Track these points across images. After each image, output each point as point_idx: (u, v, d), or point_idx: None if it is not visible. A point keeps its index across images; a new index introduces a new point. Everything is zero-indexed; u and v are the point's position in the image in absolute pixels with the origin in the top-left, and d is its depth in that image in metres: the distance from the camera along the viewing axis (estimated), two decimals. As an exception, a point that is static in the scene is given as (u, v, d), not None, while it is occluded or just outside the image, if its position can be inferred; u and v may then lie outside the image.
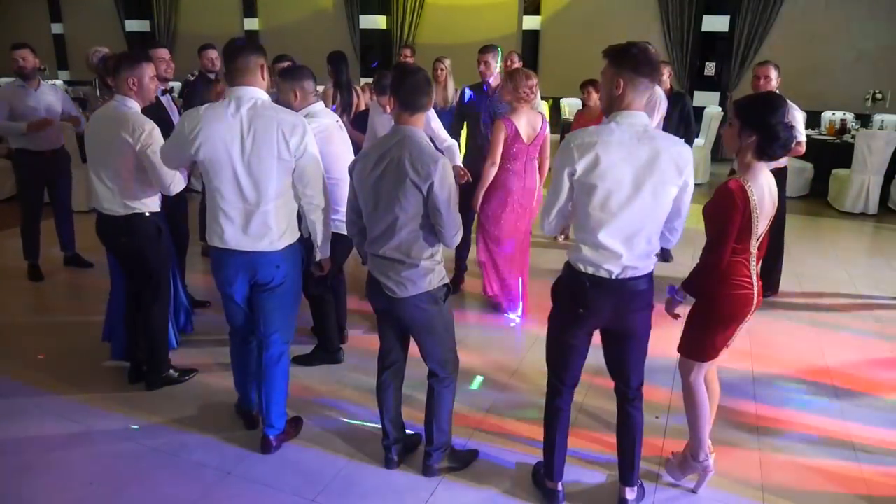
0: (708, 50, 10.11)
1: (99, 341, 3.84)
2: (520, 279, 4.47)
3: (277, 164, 2.63)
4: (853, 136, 7.80)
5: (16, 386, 3.52)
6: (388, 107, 4.14)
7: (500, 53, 4.82)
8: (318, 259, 3.00)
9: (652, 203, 2.21)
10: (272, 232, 2.70)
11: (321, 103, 3.48)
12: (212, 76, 5.41)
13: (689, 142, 5.63)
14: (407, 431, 2.92)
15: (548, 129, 4.30)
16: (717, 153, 9.29)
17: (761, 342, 4.07)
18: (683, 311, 2.60)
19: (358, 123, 5.08)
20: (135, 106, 3.23)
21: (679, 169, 2.21)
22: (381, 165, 2.43)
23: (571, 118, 8.46)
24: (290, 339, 2.95)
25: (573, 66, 8.97)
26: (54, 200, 5.21)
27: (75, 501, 2.66)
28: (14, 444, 3.03)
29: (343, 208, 3.50)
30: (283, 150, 2.61)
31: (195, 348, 3.88)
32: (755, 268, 2.48)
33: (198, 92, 5.23)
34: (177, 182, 3.24)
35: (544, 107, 8.45)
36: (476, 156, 4.59)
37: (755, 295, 2.48)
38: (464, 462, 2.86)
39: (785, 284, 4.93)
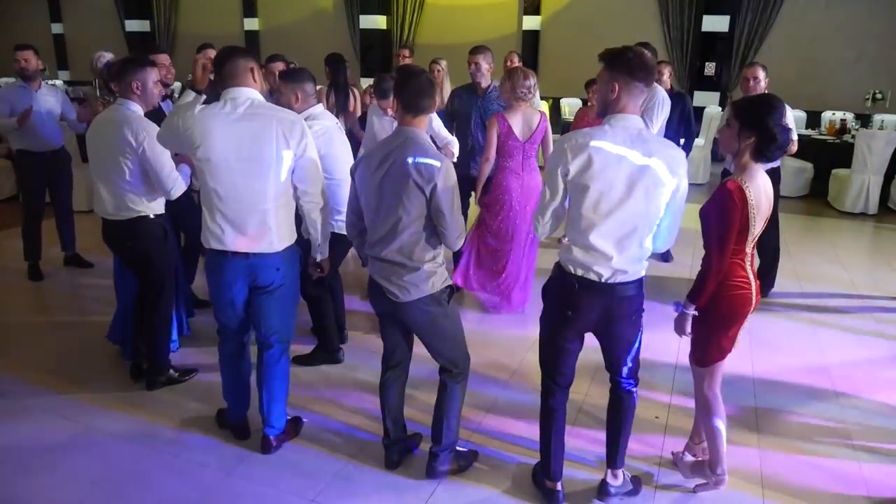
0: (708, 50, 10.11)
1: (99, 341, 3.85)
2: (522, 279, 4.47)
3: (276, 164, 2.61)
4: (853, 136, 7.80)
5: (16, 386, 3.52)
6: (389, 110, 4.13)
7: (492, 54, 4.81)
8: (317, 259, 2.98)
9: (644, 205, 2.22)
10: (271, 232, 2.68)
11: (321, 105, 3.50)
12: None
13: (689, 142, 5.63)
14: (407, 431, 2.91)
15: (548, 126, 4.27)
16: (718, 153, 9.29)
17: (761, 342, 4.07)
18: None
19: (362, 126, 5.11)
20: (138, 110, 3.23)
21: (672, 172, 2.21)
22: (384, 167, 2.42)
23: (571, 118, 8.45)
24: (290, 339, 2.95)
25: (573, 66, 8.99)
26: (55, 200, 5.22)
27: (75, 501, 2.66)
28: (14, 443, 3.03)
29: (344, 209, 3.51)
30: (282, 149, 2.60)
31: (195, 348, 3.88)
32: (751, 268, 2.49)
33: None
34: (178, 186, 3.24)
35: (544, 107, 8.46)
36: (466, 158, 4.59)
37: (753, 294, 2.49)
38: (468, 462, 2.85)
39: (785, 284, 4.93)
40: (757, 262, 2.91)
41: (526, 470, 2.84)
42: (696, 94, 10.02)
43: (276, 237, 2.70)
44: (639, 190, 2.19)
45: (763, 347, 4.01)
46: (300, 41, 12.26)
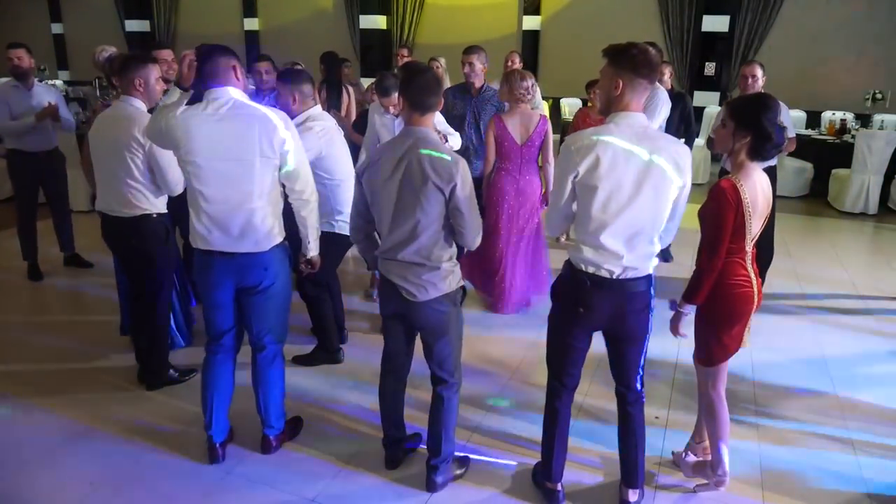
0: (708, 50, 10.10)
1: (99, 341, 3.85)
2: (518, 281, 4.47)
3: (260, 163, 2.56)
4: (853, 136, 7.79)
5: (15, 386, 3.52)
6: (391, 108, 4.11)
7: (485, 54, 4.81)
8: (308, 256, 2.93)
9: (653, 203, 2.21)
10: (257, 232, 2.63)
11: (319, 106, 3.48)
12: None
13: (690, 142, 5.63)
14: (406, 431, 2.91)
15: (548, 129, 4.26)
16: (711, 150, 9.29)
17: (761, 342, 4.06)
18: (689, 329, 2.57)
19: (357, 126, 5.10)
20: (142, 106, 3.22)
21: (679, 169, 2.21)
22: (400, 169, 2.38)
23: (571, 118, 8.44)
24: (284, 339, 2.92)
25: (573, 66, 8.99)
26: (50, 201, 5.21)
27: (75, 501, 2.66)
28: (14, 443, 3.03)
29: (346, 209, 3.50)
30: (266, 148, 2.56)
31: (195, 348, 3.87)
32: (751, 266, 2.49)
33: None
34: (182, 182, 3.23)
35: (545, 107, 8.46)
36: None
37: (755, 292, 2.49)
38: (465, 468, 2.84)
39: (785, 284, 4.93)
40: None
41: (526, 470, 2.84)
42: (696, 94, 10.02)
43: (263, 236, 2.65)
44: (647, 188, 2.18)
45: (763, 347, 4.01)
46: (300, 41, 12.26)
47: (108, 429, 3.13)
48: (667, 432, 3.13)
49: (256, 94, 4.75)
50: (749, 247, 2.44)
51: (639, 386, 2.50)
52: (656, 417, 3.26)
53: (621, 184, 2.18)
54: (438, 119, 4.24)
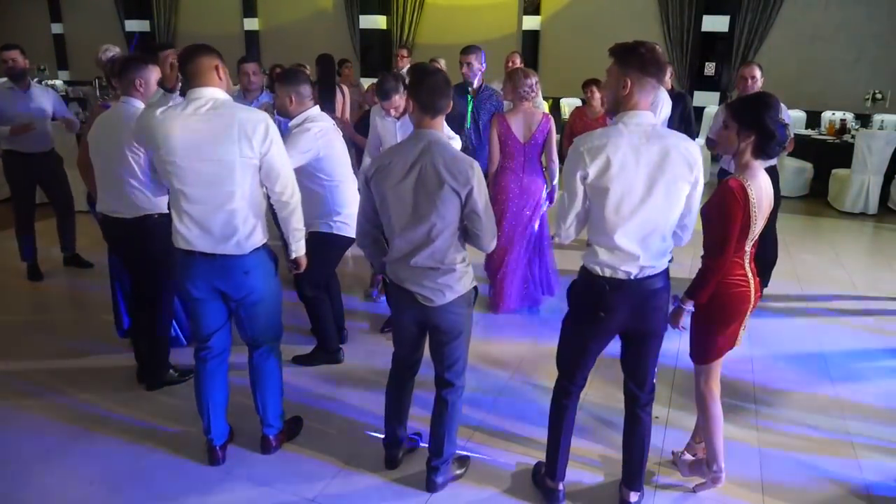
0: (708, 50, 10.10)
1: (99, 341, 3.85)
2: (519, 281, 4.47)
3: (240, 163, 2.52)
4: (853, 136, 7.79)
5: (15, 386, 3.52)
6: (392, 111, 4.10)
7: (483, 54, 4.80)
8: (292, 257, 2.89)
9: (665, 202, 2.20)
10: (238, 233, 2.59)
11: (317, 107, 3.45)
12: None
13: (689, 142, 5.63)
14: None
15: (551, 128, 4.25)
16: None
17: (761, 342, 4.06)
18: (689, 321, 2.56)
19: (359, 128, 5.11)
20: (142, 107, 3.21)
21: (690, 166, 2.20)
22: (414, 174, 2.34)
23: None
24: (279, 336, 2.91)
25: (573, 66, 8.98)
26: (52, 201, 5.21)
27: (75, 501, 2.67)
28: (14, 443, 3.03)
29: (345, 210, 3.51)
30: (246, 149, 2.51)
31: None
32: (749, 266, 2.49)
33: None
34: None
35: (545, 107, 8.45)
36: None
37: (752, 292, 2.49)
38: (465, 468, 2.84)
39: (785, 284, 4.93)
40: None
41: (526, 470, 2.84)
42: (696, 94, 10.01)
43: (245, 237, 2.61)
44: (659, 187, 2.17)
45: (763, 347, 4.01)
46: (300, 41, 12.25)
47: (108, 429, 3.13)
48: (667, 432, 3.13)
49: (243, 97, 4.71)
50: (749, 246, 2.45)
51: (652, 385, 2.49)
52: (656, 417, 3.23)
53: (633, 184, 2.17)
54: None
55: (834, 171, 7.86)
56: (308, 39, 12.17)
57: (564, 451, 2.59)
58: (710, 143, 4.52)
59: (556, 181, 4.43)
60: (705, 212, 2.42)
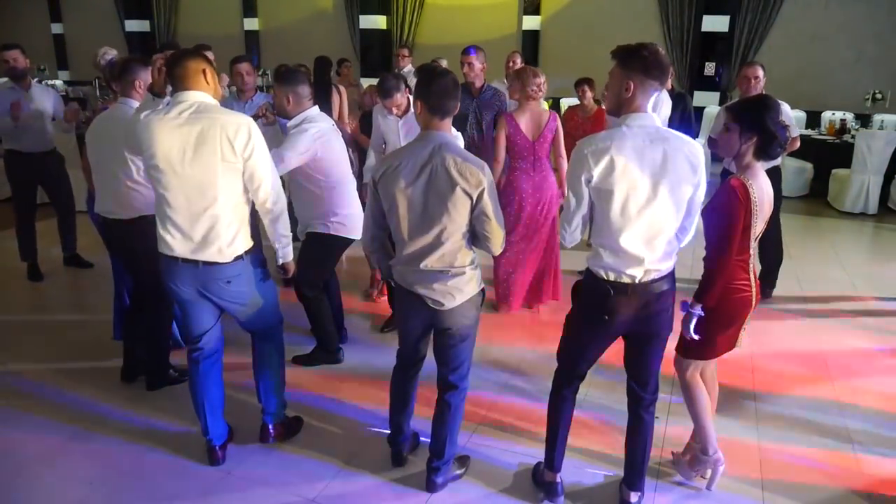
0: (708, 50, 10.09)
1: (99, 341, 3.85)
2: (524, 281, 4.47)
3: (222, 168, 2.49)
4: (853, 136, 7.80)
5: (15, 386, 3.53)
6: (394, 109, 4.09)
7: (484, 54, 4.79)
8: (279, 263, 2.88)
9: (670, 204, 2.20)
10: (220, 239, 2.55)
11: (317, 108, 3.43)
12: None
13: (690, 142, 5.64)
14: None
15: (558, 126, 4.25)
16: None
17: (761, 342, 4.06)
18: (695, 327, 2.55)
19: (362, 128, 5.12)
20: None
21: (693, 168, 2.20)
22: (424, 176, 2.31)
23: (571, 118, 8.43)
24: (280, 321, 2.90)
25: (573, 66, 8.96)
26: (53, 201, 5.21)
27: (75, 501, 2.66)
28: (14, 443, 3.03)
29: (343, 211, 3.50)
30: (228, 153, 2.48)
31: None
32: (752, 269, 2.49)
33: None
34: None
35: (545, 107, 8.45)
36: None
37: (753, 296, 2.50)
38: (465, 468, 2.84)
39: (785, 285, 4.92)
40: (758, 265, 2.90)
41: (526, 469, 2.84)
42: (696, 94, 10.01)
43: (227, 244, 2.57)
44: (663, 188, 2.17)
45: (763, 348, 4.01)
46: (300, 41, 12.25)
47: (108, 429, 3.13)
48: (666, 433, 3.12)
49: (236, 99, 4.66)
50: (751, 249, 2.45)
51: (656, 385, 2.49)
52: (656, 418, 3.25)
53: (637, 186, 2.16)
54: None
55: (834, 171, 7.86)
56: (308, 40, 12.17)
57: (562, 442, 2.59)
58: (711, 144, 4.52)
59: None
60: (707, 212, 2.42)
